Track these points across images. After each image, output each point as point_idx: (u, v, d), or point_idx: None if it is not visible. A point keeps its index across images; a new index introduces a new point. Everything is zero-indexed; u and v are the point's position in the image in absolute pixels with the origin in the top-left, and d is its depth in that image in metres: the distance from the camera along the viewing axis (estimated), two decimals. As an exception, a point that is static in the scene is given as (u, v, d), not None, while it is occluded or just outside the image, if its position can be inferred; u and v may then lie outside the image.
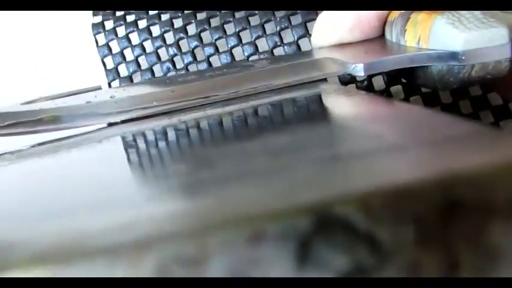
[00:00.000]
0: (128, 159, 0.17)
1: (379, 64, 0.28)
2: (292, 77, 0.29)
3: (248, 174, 0.14)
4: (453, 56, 0.26)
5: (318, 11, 0.35)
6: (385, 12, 0.32)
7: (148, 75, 0.38)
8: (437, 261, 0.11)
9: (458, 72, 0.27)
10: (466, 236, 0.11)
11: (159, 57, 0.38)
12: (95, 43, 0.39)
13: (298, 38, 0.36)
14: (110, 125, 0.27)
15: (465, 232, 0.11)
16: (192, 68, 0.38)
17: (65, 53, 0.42)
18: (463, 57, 0.26)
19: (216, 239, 0.11)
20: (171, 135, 0.21)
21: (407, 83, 0.35)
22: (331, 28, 0.33)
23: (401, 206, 0.11)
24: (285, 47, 0.36)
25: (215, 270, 0.11)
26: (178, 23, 0.38)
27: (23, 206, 0.15)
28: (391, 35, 0.31)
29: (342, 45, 0.33)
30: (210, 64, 0.37)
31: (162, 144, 0.20)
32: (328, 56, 0.31)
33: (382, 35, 0.33)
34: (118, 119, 0.27)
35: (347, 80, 0.35)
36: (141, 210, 0.13)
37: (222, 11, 0.37)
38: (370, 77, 0.36)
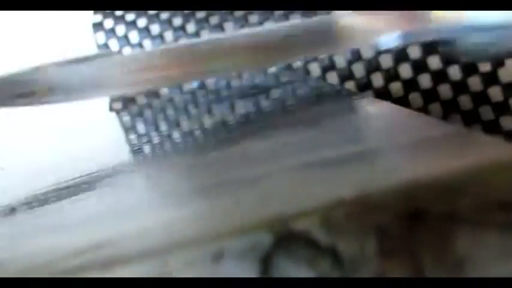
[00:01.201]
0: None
1: (418, 34, 0.24)
2: (310, 49, 0.25)
3: (210, 187, 0.14)
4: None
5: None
6: None
7: (148, 74, 0.38)
8: (402, 272, 0.11)
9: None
10: (430, 245, 0.11)
11: (158, 57, 0.38)
12: (94, 42, 0.39)
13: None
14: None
15: (430, 241, 0.11)
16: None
17: (64, 53, 0.42)
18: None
19: (178, 258, 0.11)
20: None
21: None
22: None
23: (364, 217, 0.11)
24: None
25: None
26: (177, 21, 0.38)
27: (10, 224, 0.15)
28: None
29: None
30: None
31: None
32: (354, 20, 0.26)
33: None
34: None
35: (346, 76, 0.35)
36: (107, 229, 0.13)
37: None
38: (368, 75, 0.35)
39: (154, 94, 0.38)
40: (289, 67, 0.36)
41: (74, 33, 0.42)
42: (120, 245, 0.12)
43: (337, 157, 0.14)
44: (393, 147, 0.14)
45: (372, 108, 0.18)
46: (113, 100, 0.38)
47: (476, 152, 0.13)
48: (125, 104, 0.38)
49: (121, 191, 0.15)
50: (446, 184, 0.11)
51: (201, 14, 0.38)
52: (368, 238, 0.11)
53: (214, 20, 0.38)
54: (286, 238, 0.11)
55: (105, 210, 0.14)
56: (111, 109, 0.38)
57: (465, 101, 0.33)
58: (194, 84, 0.37)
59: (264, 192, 0.13)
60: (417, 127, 0.15)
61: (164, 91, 0.38)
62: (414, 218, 0.11)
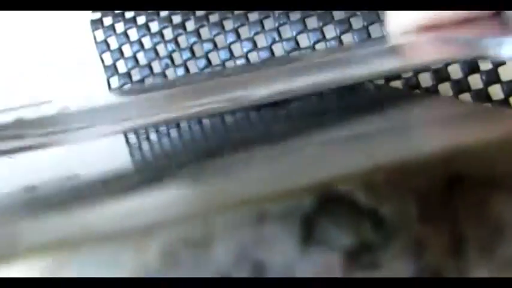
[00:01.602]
0: (134, 148, 0.17)
1: None
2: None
3: (246, 159, 0.14)
4: None
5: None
6: None
7: (147, 71, 0.38)
8: (442, 236, 0.11)
9: None
10: (469, 209, 0.11)
11: (157, 54, 0.38)
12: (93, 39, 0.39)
13: (297, 34, 0.36)
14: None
15: (469, 205, 0.11)
16: (191, 64, 0.38)
17: (64, 49, 0.42)
18: None
19: (221, 220, 0.11)
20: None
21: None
22: None
23: (404, 181, 0.11)
24: (284, 43, 0.36)
25: (221, 251, 0.11)
26: (176, 19, 0.38)
27: (28, 193, 0.15)
28: None
29: (441, 28, 0.21)
30: (208, 60, 0.37)
31: (168, 133, 0.20)
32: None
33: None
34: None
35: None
36: (147, 195, 0.13)
37: (221, 7, 0.38)
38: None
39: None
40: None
41: (72, 30, 0.42)
42: (163, 210, 0.12)
43: (370, 131, 0.14)
44: (423, 122, 0.14)
45: (397, 94, 0.18)
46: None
47: (504, 124, 0.13)
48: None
49: (158, 161, 0.15)
50: (480, 152, 0.11)
51: (200, 12, 0.38)
52: (408, 202, 0.11)
53: (214, 17, 0.38)
54: (328, 201, 0.11)
55: (142, 179, 0.14)
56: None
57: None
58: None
59: (303, 160, 0.13)
60: (441, 106, 0.15)
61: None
62: (452, 184, 0.11)
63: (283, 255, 0.11)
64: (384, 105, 0.17)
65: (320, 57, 0.21)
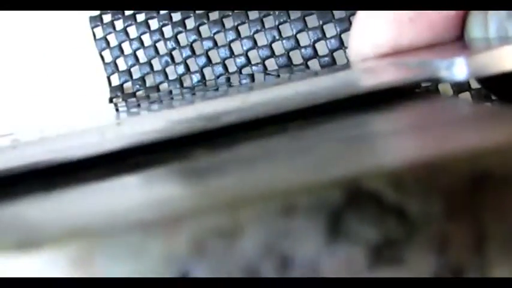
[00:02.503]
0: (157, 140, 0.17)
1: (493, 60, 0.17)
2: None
3: (279, 152, 0.14)
4: None
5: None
6: None
7: (147, 68, 0.38)
8: (465, 233, 0.11)
9: None
10: (494, 208, 0.12)
11: (157, 51, 0.38)
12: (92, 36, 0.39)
13: (297, 32, 0.36)
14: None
15: (493, 204, 0.12)
16: (191, 62, 0.38)
17: (64, 49, 0.42)
18: None
19: (249, 212, 0.11)
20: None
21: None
22: (381, 20, 0.22)
23: (430, 179, 0.11)
24: (284, 41, 0.36)
25: (249, 242, 0.11)
26: (176, 16, 0.38)
27: (53, 182, 0.15)
28: (486, 29, 0.21)
29: (400, 54, 0.22)
30: (208, 58, 0.37)
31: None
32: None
33: (461, 38, 0.23)
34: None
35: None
36: (175, 186, 0.13)
37: (221, 6, 0.38)
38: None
39: (154, 88, 0.38)
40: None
41: (71, 27, 0.42)
42: (188, 201, 0.12)
43: (396, 129, 0.14)
44: (443, 122, 0.14)
45: (417, 95, 0.18)
46: (112, 93, 0.38)
47: None
48: (124, 97, 0.38)
49: (183, 156, 0.15)
50: (506, 151, 0.12)
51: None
52: (433, 200, 0.11)
53: (214, 15, 0.38)
54: (355, 196, 0.11)
55: (169, 170, 0.14)
56: (111, 101, 0.38)
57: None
58: (194, 80, 0.37)
59: (329, 155, 0.13)
60: (465, 107, 0.15)
61: (164, 86, 0.38)
62: (478, 182, 0.11)
63: (310, 248, 0.11)
64: (410, 104, 0.17)
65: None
